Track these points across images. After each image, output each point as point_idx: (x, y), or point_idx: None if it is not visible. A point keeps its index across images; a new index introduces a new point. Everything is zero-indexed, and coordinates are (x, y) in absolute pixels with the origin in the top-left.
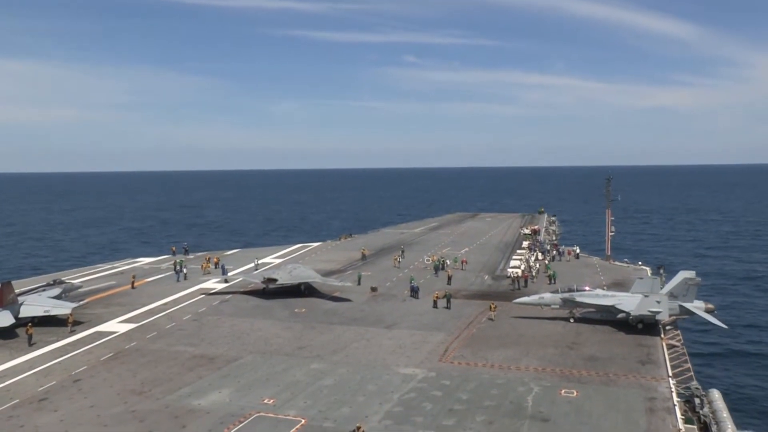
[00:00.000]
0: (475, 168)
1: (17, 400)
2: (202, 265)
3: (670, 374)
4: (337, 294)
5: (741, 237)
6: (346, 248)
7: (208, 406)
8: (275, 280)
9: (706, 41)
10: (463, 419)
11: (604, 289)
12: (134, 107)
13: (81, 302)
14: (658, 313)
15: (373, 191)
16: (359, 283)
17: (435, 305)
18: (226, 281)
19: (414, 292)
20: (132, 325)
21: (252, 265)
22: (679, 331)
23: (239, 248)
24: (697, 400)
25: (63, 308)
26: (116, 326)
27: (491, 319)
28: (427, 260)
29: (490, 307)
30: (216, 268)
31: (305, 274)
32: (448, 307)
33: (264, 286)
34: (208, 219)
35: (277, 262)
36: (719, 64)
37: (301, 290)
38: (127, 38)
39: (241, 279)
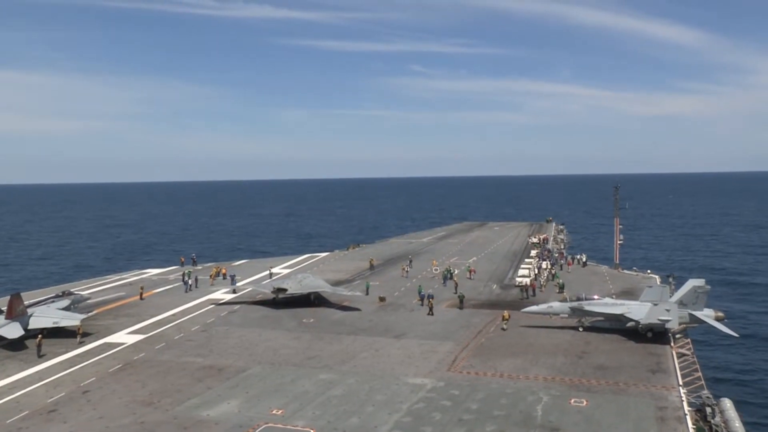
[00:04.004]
0: (482, 177)
1: (27, 412)
2: (210, 276)
3: (681, 383)
4: (346, 303)
5: (750, 244)
6: (354, 258)
7: (216, 417)
8: (285, 290)
9: (713, 48)
10: (473, 429)
11: (613, 298)
12: (143, 117)
13: (90, 313)
14: (667, 321)
15: (380, 200)
16: (367, 293)
17: (431, 312)
18: (234, 291)
19: (428, 298)
20: (140, 336)
21: (262, 274)
22: (689, 340)
23: (247, 258)
24: (708, 410)
25: (72, 320)
26: (125, 337)
27: (503, 329)
28: (435, 270)
29: (503, 316)
30: (224, 279)
31: (315, 283)
32: (461, 307)
33: (274, 295)
34: (217, 229)
35: (285, 272)
36: (725, 71)
37: (311, 300)
38: (136, 49)
39: (250, 289)
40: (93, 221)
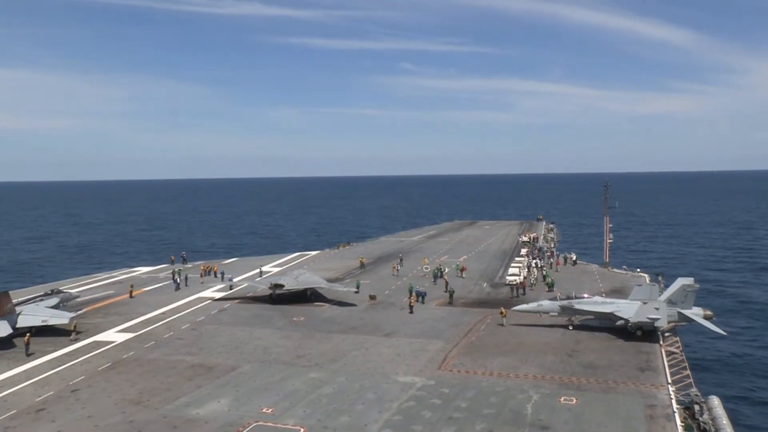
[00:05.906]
0: (473, 175)
1: (14, 411)
2: (200, 273)
3: (670, 381)
4: (341, 299)
5: (739, 243)
6: (344, 257)
7: (206, 415)
8: (282, 286)
9: (704, 48)
10: (463, 427)
11: (602, 296)
12: (133, 116)
13: (79, 312)
14: (656, 320)
15: (370, 199)
16: (357, 292)
17: (411, 311)
18: (230, 288)
19: (421, 297)
20: (130, 335)
21: (252, 272)
22: (678, 338)
23: (236, 257)
24: (696, 407)
25: (61, 318)
26: (114, 336)
27: (502, 325)
28: (426, 268)
29: (501, 312)
30: (215, 277)
31: (311, 279)
32: (450, 302)
33: (271, 291)
34: (205, 228)
35: (275, 270)
36: (716, 71)
37: (307, 296)
38: (125, 46)
39: (245, 285)
40: (65, 219)
